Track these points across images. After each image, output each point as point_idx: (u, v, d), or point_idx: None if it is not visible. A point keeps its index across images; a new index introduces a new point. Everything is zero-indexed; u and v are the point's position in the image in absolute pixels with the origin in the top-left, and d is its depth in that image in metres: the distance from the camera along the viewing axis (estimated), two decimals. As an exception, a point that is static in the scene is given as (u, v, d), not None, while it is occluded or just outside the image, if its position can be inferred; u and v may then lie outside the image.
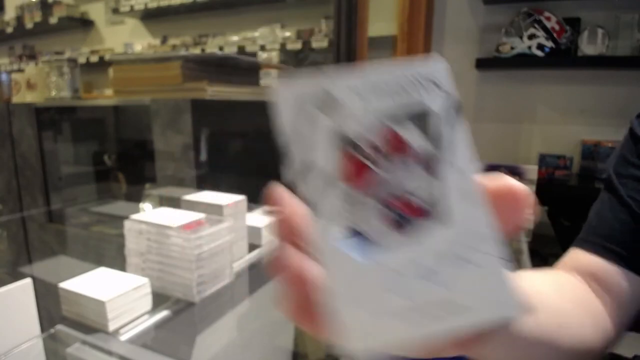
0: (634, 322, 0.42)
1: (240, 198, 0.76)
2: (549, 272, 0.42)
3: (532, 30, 2.01)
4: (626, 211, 0.42)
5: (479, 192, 0.16)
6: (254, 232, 0.84)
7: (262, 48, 2.95)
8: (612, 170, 0.45)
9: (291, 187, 0.16)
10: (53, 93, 1.42)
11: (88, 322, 0.55)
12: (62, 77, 1.40)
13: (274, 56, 2.90)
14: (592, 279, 0.40)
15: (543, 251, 1.30)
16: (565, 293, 0.39)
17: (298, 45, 2.84)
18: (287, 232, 0.17)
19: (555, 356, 0.33)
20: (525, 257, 1.10)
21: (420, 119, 0.15)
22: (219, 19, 3.27)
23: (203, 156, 1.00)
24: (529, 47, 2.03)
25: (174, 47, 3.44)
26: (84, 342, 0.52)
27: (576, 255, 0.43)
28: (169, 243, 0.61)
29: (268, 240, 0.81)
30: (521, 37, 2.04)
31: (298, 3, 2.91)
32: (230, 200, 0.74)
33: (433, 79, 0.15)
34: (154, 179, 1.04)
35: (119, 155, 1.46)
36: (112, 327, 0.54)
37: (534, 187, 0.98)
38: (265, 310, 0.76)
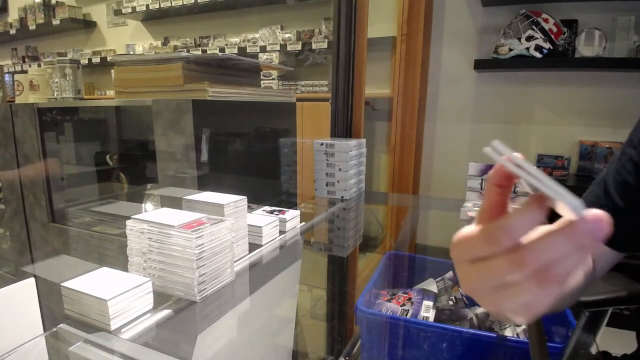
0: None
1: (241, 198, 0.77)
2: None
3: (530, 32, 2.02)
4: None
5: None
6: (255, 231, 0.85)
7: (263, 49, 2.97)
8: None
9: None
10: (55, 94, 1.43)
11: (90, 321, 0.55)
12: (65, 78, 1.41)
13: (275, 57, 2.91)
14: None
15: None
16: None
17: (298, 47, 2.85)
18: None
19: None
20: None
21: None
22: (219, 21, 3.28)
23: (204, 156, 1.00)
24: (527, 49, 2.03)
25: (175, 48, 3.45)
26: (87, 341, 0.53)
27: None
28: (170, 242, 0.61)
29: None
30: (519, 39, 2.04)
31: (298, 5, 2.92)
32: (230, 200, 0.75)
33: None
34: (156, 179, 1.05)
35: (120, 156, 1.47)
36: (114, 325, 0.54)
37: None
38: (265, 309, 0.77)
